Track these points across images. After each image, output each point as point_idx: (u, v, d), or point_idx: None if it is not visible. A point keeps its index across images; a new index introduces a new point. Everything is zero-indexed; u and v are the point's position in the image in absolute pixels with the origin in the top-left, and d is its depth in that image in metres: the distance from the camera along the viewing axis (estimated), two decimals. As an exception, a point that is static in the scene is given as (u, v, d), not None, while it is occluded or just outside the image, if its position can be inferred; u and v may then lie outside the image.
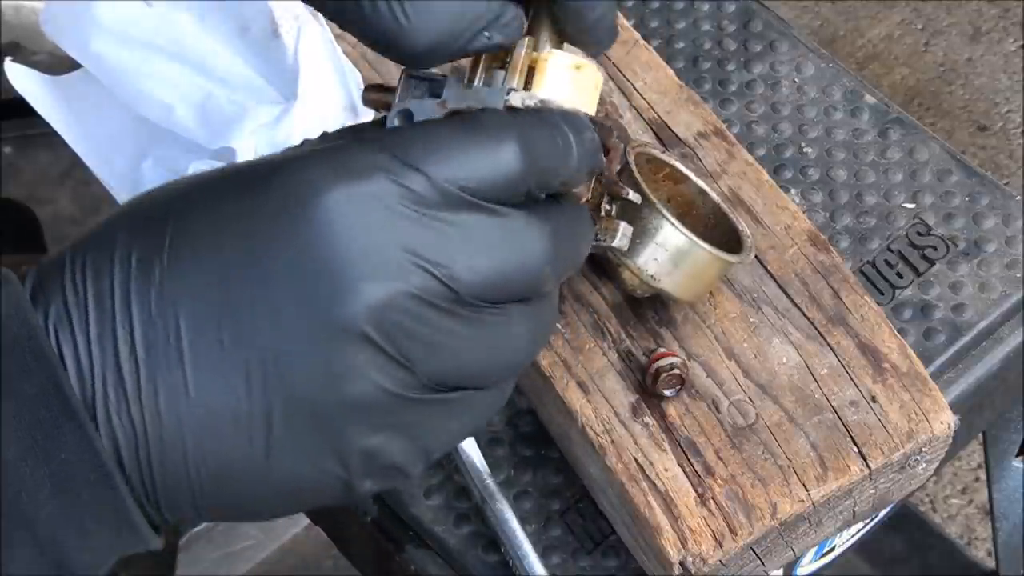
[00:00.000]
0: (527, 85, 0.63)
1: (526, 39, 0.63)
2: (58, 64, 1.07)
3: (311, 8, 0.97)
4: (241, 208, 0.54)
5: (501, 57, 0.64)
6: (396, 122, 0.62)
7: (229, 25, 0.99)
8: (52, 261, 0.54)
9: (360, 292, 0.53)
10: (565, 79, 0.64)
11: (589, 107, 0.65)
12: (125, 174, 1.02)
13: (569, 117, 0.61)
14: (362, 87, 0.99)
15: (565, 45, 0.66)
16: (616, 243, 0.73)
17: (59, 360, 0.52)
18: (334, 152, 0.55)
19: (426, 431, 0.57)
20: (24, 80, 1.04)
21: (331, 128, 0.62)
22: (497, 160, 0.57)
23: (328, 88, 0.98)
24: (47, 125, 1.04)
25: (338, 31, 1.03)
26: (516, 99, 0.62)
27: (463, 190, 0.55)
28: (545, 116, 0.60)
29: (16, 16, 1.71)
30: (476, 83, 0.63)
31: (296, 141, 0.62)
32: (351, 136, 0.60)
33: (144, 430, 0.52)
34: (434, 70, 0.64)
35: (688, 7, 1.11)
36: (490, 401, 0.59)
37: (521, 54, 0.63)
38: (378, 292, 0.53)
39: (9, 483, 0.51)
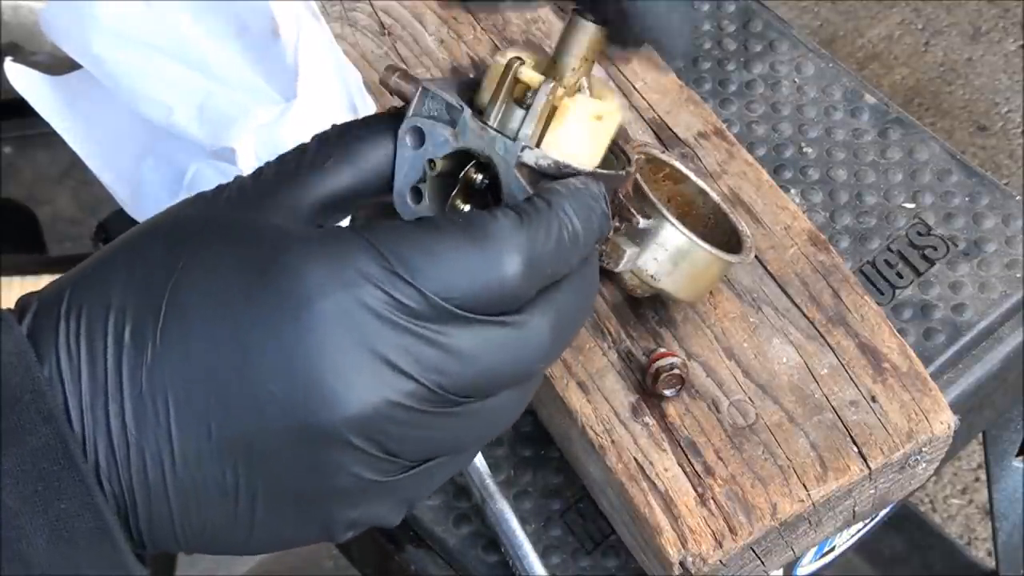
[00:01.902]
0: (545, 127, 0.60)
1: (551, 83, 0.60)
2: (58, 64, 1.07)
3: (311, 7, 0.97)
4: (237, 299, 0.54)
5: (522, 89, 0.61)
6: (408, 140, 0.61)
7: (228, 25, 0.99)
8: (49, 301, 0.55)
9: (343, 402, 0.54)
10: (584, 130, 0.61)
11: (600, 154, 0.62)
12: (125, 174, 1.02)
13: (581, 195, 0.59)
14: (362, 87, 0.99)
15: (586, 86, 0.63)
16: (620, 268, 0.73)
17: (64, 416, 0.53)
18: (334, 254, 0.55)
19: (408, 491, 0.58)
20: (24, 80, 1.03)
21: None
22: (497, 276, 0.56)
23: (328, 88, 0.98)
24: (47, 125, 1.04)
25: (338, 31, 1.03)
26: (530, 157, 0.60)
27: (458, 306, 0.55)
28: (555, 207, 0.58)
29: (15, 16, 1.71)
30: (492, 120, 0.61)
31: (296, 141, 0.62)
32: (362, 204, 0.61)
33: (132, 493, 0.54)
34: (447, 91, 0.61)
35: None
36: (470, 456, 0.61)
37: (543, 101, 0.60)
38: (361, 402, 0.54)
39: (8, 529, 0.53)
